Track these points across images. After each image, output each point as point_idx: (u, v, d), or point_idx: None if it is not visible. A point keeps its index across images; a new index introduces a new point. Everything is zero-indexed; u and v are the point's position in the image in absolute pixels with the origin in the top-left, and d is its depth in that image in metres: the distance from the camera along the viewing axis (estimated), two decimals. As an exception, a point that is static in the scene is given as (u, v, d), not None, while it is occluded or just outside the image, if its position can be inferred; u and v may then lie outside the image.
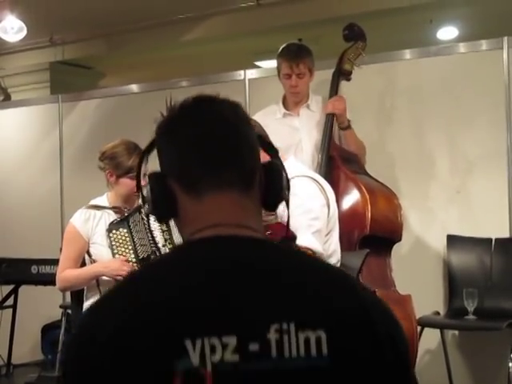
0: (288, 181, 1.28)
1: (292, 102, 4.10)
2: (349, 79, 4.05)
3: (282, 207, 2.54)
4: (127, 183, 3.37)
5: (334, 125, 3.91)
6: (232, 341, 1.03)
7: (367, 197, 3.63)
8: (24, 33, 5.78)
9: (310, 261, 1.21)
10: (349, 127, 3.95)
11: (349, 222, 3.57)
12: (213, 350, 1.02)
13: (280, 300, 1.08)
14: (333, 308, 1.09)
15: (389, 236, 3.70)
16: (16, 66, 7.27)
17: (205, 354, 1.02)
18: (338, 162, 3.83)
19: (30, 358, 5.69)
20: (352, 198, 3.68)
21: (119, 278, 3.26)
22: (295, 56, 3.94)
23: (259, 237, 1.19)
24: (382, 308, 1.16)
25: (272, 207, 1.28)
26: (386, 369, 1.09)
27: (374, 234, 3.59)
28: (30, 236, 5.87)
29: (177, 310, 1.06)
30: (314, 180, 2.85)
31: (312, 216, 2.66)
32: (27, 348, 5.74)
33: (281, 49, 4.05)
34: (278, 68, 4.04)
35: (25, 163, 6.19)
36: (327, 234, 2.75)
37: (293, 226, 2.59)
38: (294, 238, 2.49)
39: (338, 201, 3.62)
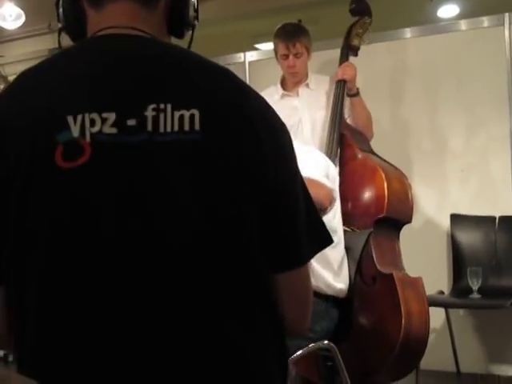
0: (197, 10, 1.36)
1: (291, 82, 4.06)
2: (356, 55, 4.01)
3: None
4: None
5: (344, 93, 3.86)
6: (111, 116, 1.14)
7: (384, 177, 3.55)
8: (22, 20, 5.76)
9: (194, 54, 1.29)
10: (357, 94, 3.91)
11: (365, 203, 3.53)
12: (92, 123, 1.13)
13: (160, 84, 1.18)
14: (208, 90, 1.20)
15: (401, 218, 3.65)
16: (15, 53, 7.24)
17: (85, 127, 1.13)
18: (350, 140, 3.77)
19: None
20: (368, 178, 3.60)
21: None
22: (291, 36, 3.91)
23: (151, 37, 1.26)
24: (258, 95, 1.27)
25: (177, 32, 1.36)
26: (260, 148, 1.18)
27: (388, 216, 3.56)
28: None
29: (60, 89, 1.17)
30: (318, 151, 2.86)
31: (318, 159, 2.63)
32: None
33: (276, 29, 4.01)
34: (275, 49, 4.00)
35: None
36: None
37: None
38: None
39: (353, 180, 3.58)
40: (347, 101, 3.91)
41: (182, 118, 1.15)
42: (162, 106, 1.15)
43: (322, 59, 4.29)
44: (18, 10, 5.72)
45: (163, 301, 1.12)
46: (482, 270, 4.03)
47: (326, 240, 1.32)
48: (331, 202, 2.45)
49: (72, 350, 1.12)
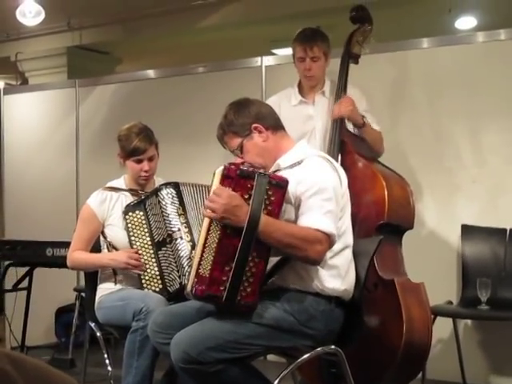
0: None
1: (307, 86, 4.06)
2: (357, 62, 4.01)
3: (294, 185, 2.56)
4: (132, 166, 3.42)
5: (342, 128, 3.80)
6: None
7: (384, 184, 3.58)
8: (42, 17, 5.81)
9: None
10: (364, 124, 3.83)
11: (366, 210, 3.53)
12: None
13: None
14: None
15: (402, 224, 3.68)
16: (34, 50, 7.30)
17: None
18: (350, 147, 3.78)
19: (43, 340, 5.74)
20: (368, 185, 3.61)
21: (127, 269, 3.30)
22: (309, 39, 3.93)
23: None
24: None
25: None
26: None
27: (389, 222, 3.57)
28: (45, 219, 5.91)
29: None
30: (326, 159, 2.80)
31: (325, 197, 2.61)
32: (41, 330, 5.79)
33: (296, 33, 4.03)
34: (293, 52, 4.02)
35: (41, 147, 6.23)
36: (340, 211, 2.72)
37: (305, 208, 2.59)
38: (285, 180, 2.58)
39: (354, 187, 3.60)
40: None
41: None
42: None
43: (338, 66, 4.29)
44: (37, 7, 5.76)
45: None
46: (492, 281, 4.02)
47: None
48: (327, 251, 2.59)
49: None
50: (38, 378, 1.06)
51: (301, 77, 4.05)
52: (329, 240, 2.58)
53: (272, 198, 2.55)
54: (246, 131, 2.78)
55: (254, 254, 2.52)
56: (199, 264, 2.53)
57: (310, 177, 2.64)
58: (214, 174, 2.67)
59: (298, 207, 2.63)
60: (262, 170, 2.66)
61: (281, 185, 2.57)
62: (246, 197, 2.53)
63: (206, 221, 2.58)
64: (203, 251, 2.53)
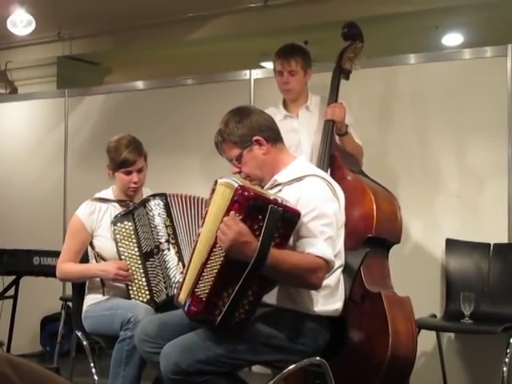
0: None
1: (289, 100, 4.14)
2: (348, 78, 4.07)
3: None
4: (121, 177, 3.44)
5: (333, 131, 3.89)
6: None
7: (373, 198, 3.61)
8: (33, 26, 5.82)
9: None
10: (346, 133, 3.94)
11: (354, 223, 3.54)
12: None
13: None
14: None
15: (389, 238, 3.71)
16: (24, 59, 7.31)
17: None
18: (340, 161, 3.82)
19: (28, 349, 5.73)
20: (357, 199, 3.63)
21: (116, 280, 3.32)
22: (287, 54, 4.02)
23: None
24: None
25: None
26: None
27: (377, 236, 3.60)
28: (32, 228, 5.91)
29: None
30: (326, 181, 2.74)
31: (325, 222, 2.58)
32: (26, 339, 5.78)
33: (278, 49, 4.11)
34: (274, 67, 4.12)
35: (30, 156, 6.23)
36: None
37: (305, 232, 2.56)
38: (298, 214, 2.48)
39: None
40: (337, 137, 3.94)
41: None
42: None
43: (327, 81, 4.34)
44: (28, 17, 5.78)
45: None
46: (475, 295, 4.06)
47: None
48: (325, 276, 2.58)
49: None
50: (35, 380, 1.09)
51: (280, 90, 4.14)
52: (328, 267, 2.56)
53: (281, 231, 2.45)
54: (247, 143, 2.72)
55: (255, 282, 2.47)
56: (197, 283, 2.48)
57: (310, 200, 2.60)
58: (216, 184, 2.62)
59: (297, 231, 2.56)
60: (274, 197, 2.52)
61: (292, 220, 2.47)
62: (256, 227, 2.42)
63: (209, 240, 2.50)
64: (202, 271, 2.47)
